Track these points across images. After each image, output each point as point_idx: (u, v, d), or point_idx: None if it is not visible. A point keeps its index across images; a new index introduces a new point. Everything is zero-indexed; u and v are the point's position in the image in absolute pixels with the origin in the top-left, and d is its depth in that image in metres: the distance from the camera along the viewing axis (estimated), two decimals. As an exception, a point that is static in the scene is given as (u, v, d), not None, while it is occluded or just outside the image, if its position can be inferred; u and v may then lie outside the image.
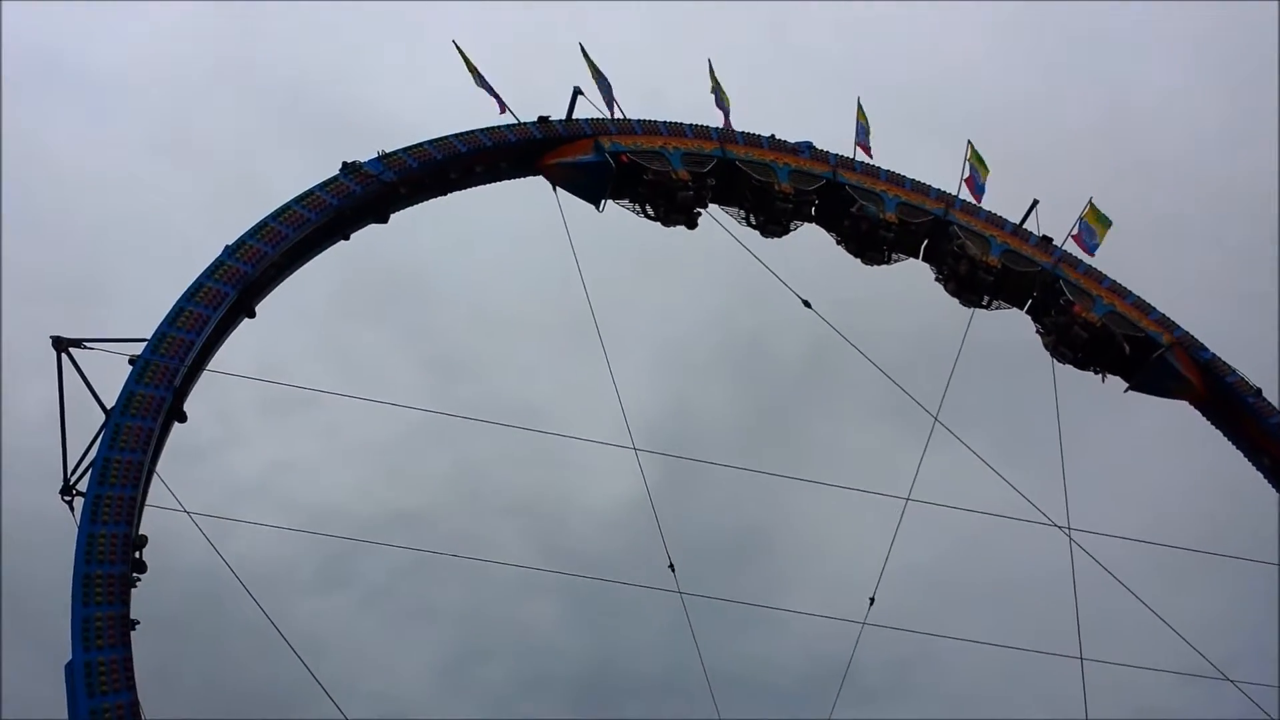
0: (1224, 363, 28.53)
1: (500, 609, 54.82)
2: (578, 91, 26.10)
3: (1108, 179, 31.52)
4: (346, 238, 23.56)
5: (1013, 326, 29.66)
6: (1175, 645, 27.38)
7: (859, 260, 28.52)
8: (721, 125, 27.94)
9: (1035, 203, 28.86)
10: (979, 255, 28.01)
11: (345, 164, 23.30)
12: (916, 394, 28.18)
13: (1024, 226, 28.90)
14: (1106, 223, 29.00)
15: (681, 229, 27.43)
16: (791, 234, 28.11)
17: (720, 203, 27.79)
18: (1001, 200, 29.20)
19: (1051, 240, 28.83)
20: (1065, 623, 27.46)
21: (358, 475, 52.09)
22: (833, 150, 28.49)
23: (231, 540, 23.72)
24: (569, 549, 49.44)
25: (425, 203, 25.08)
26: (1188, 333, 28.70)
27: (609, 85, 26.88)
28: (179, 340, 20.12)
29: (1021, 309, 28.95)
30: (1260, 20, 57.94)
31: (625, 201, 26.94)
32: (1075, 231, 28.97)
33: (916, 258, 28.98)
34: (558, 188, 26.25)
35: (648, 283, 55.93)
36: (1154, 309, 28.69)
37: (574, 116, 26.26)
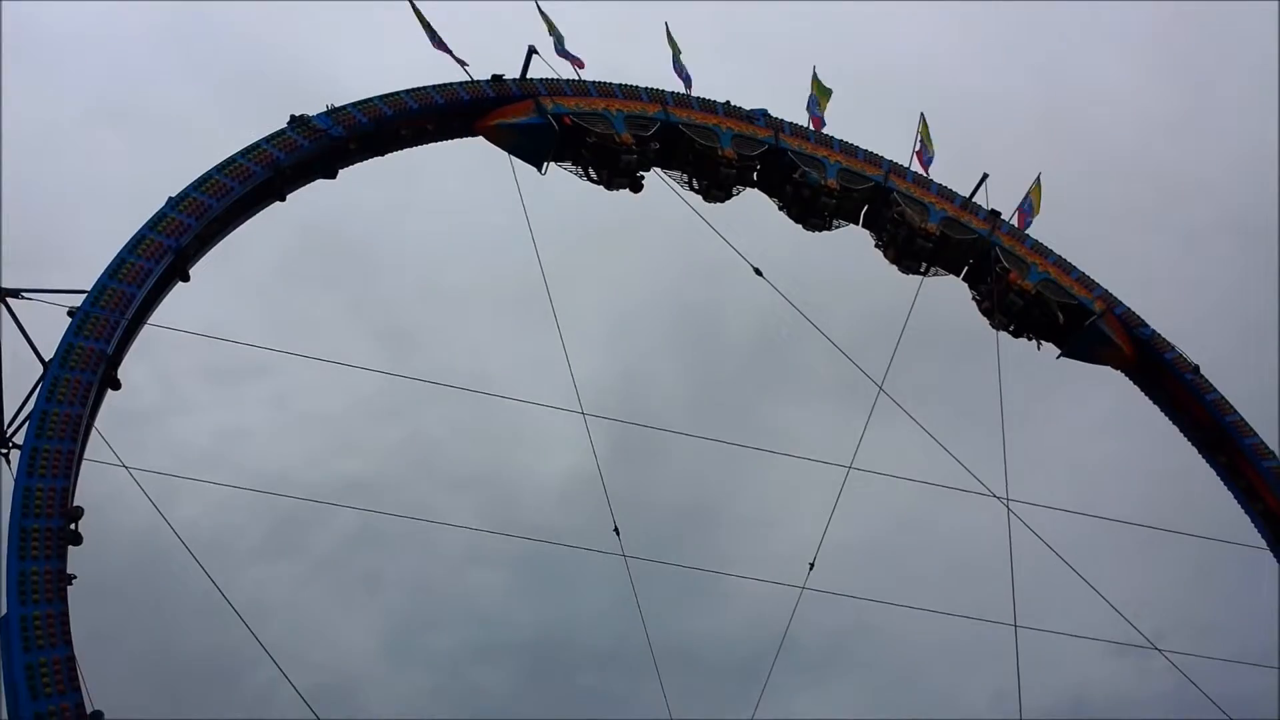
0: (1164, 339, 29.24)
1: (449, 579, 54.90)
2: (532, 50, 25.91)
3: (1055, 163, 31.90)
4: (282, 198, 22.98)
5: (963, 306, 30.10)
6: (1108, 617, 28.06)
7: (800, 226, 28.65)
8: (680, 91, 27.89)
9: (985, 176, 29.23)
10: (918, 222, 28.30)
11: (293, 118, 22.92)
12: (865, 371, 28.51)
13: (973, 200, 29.22)
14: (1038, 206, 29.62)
15: (626, 193, 27.35)
16: (735, 199, 28.15)
17: (663, 166, 27.70)
18: (951, 176, 29.55)
19: (1000, 214, 29.21)
20: (1003, 594, 27.95)
21: (306, 445, 51.75)
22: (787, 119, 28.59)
23: (177, 506, 23.50)
24: (519, 520, 49.50)
25: (374, 167, 24.85)
26: (1128, 308, 29.36)
27: (563, 40, 26.66)
28: (120, 293, 19.75)
29: (959, 276, 29.36)
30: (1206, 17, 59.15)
31: (568, 164, 26.68)
32: (1021, 206, 29.41)
33: (857, 224, 29.21)
34: (502, 149, 25.92)
35: (600, 256, 55.97)
36: (1098, 285, 29.31)
37: (528, 76, 26.09)
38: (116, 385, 19.89)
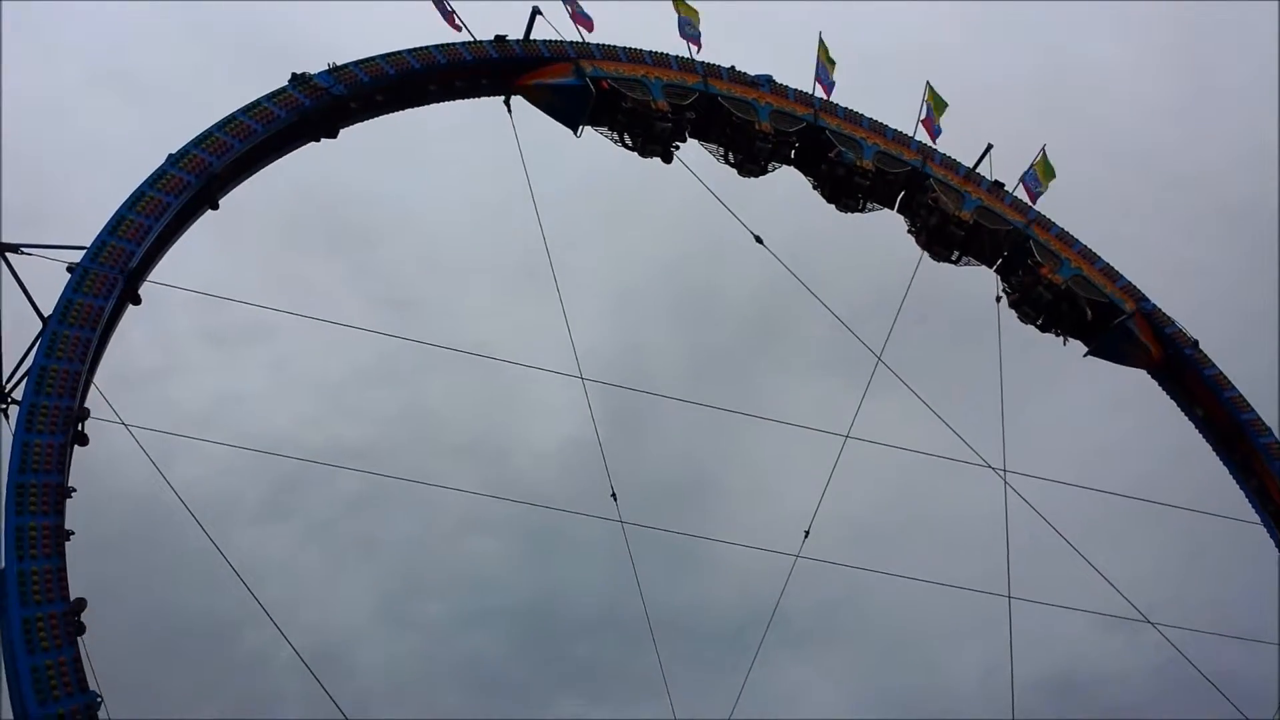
0: (1185, 334, 29.07)
1: (445, 544, 55.13)
2: (536, 11, 25.71)
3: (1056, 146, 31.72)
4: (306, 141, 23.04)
5: (965, 282, 30.04)
6: (1101, 592, 28.16)
7: (833, 207, 28.58)
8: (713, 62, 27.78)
9: (989, 147, 29.11)
10: (952, 209, 28.15)
11: (294, 75, 22.76)
12: (863, 341, 28.48)
13: (976, 170, 29.08)
14: (1051, 174, 29.34)
15: (634, 163, 27.33)
16: (769, 175, 28.12)
17: (699, 138, 27.67)
18: (956, 145, 29.40)
19: (1003, 185, 29.08)
20: (997, 566, 28.09)
21: (305, 409, 51.81)
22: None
23: (175, 467, 23.51)
24: (516, 487, 49.60)
25: (376, 134, 24.84)
26: (1156, 305, 29.06)
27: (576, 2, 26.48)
28: (119, 249, 19.64)
29: (990, 267, 29.20)
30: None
31: (604, 129, 26.71)
32: (1025, 179, 29.25)
33: (891, 208, 29.06)
34: (539, 109, 26.07)
35: (604, 226, 55.86)
36: (1121, 276, 29.07)
37: (531, 37, 25.89)
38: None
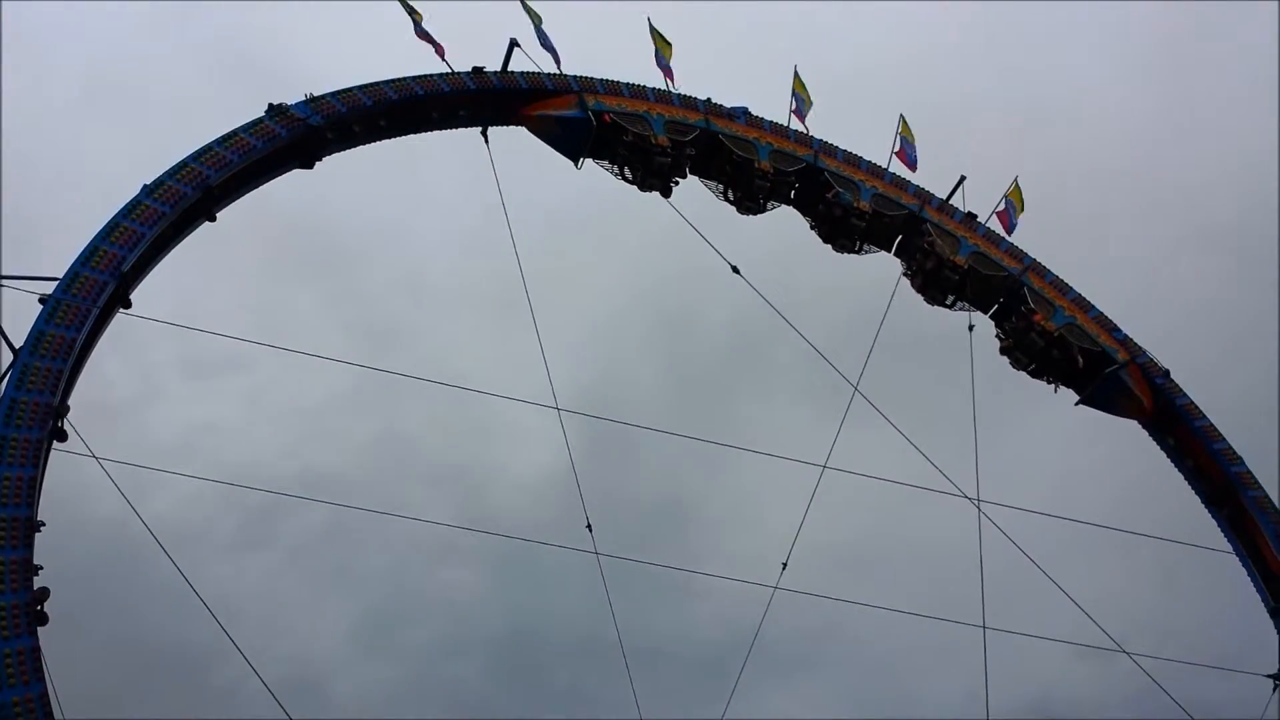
0: (1176, 385, 28.81)
1: (420, 574, 54.82)
2: (514, 43, 25.91)
3: (1033, 169, 32.05)
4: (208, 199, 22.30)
5: (940, 315, 30.19)
6: (1075, 621, 28.28)
7: (830, 247, 28.75)
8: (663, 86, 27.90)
9: (962, 179, 29.31)
10: (947, 254, 28.36)
11: (271, 106, 22.75)
12: (839, 371, 28.62)
13: (950, 202, 29.35)
14: (1020, 206, 29.68)
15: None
16: (767, 213, 28.29)
17: (700, 175, 27.94)
18: (928, 177, 29.66)
19: (976, 216, 29.35)
20: (973, 595, 28.20)
21: (280, 439, 51.56)
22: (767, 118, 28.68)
23: (148, 498, 23.36)
24: (492, 518, 49.47)
25: (356, 166, 24.89)
26: (1149, 356, 28.94)
27: (547, 36, 26.66)
28: (92, 280, 19.54)
29: (985, 313, 29.33)
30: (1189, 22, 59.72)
31: (604, 163, 27.05)
32: (1000, 209, 29.53)
33: (889, 251, 29.23)
34: (541, 139, 26.50)
35: (582, 257, 56.05)
36: (1117, 328, 29.05)
37: (509, 69, 26.05)
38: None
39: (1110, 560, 39.66)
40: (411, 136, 25.50)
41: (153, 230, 20.45)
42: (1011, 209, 29.45)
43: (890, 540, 51.50)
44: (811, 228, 28.79)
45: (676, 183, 27.51)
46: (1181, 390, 28.71)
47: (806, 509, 27.93)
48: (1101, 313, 29.15)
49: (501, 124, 26.40)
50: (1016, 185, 29.77)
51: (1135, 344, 29.03)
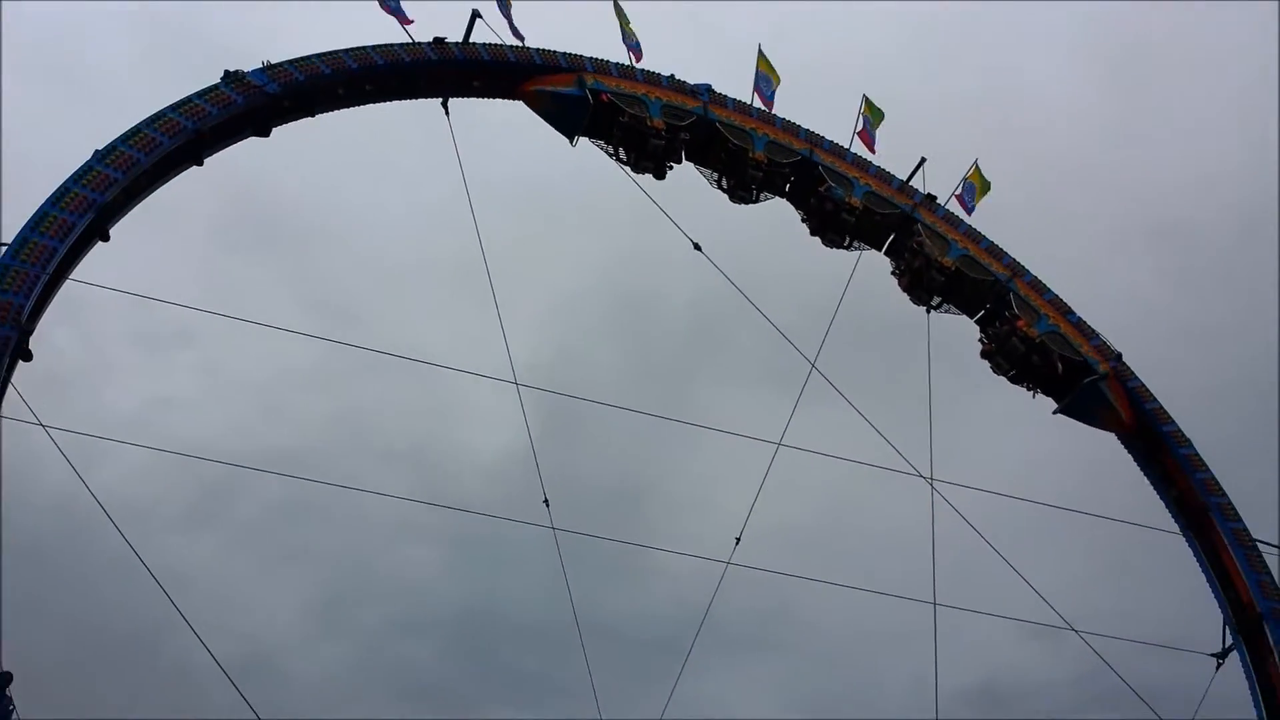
0: (1165, 412, 28.67)
1: (377, 552, 54.62)
2: (476, 15, 25.69)
3: (992, 155, 32.21)
4: (200, 162, 22.37)
5: (903, 306, 30.35)
6: (1026, 602, 28.65)
7: (819, 240, 28.82)
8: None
9: (923, 160, 29.41)
10: (935, 254, 28.47)
11: (228, 73, 22.36)
12: (798, 348, 28.71)
13: (910, 183, 29.46)
14: (986, 186, 29.83)
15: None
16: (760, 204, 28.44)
17: (695, 161, 28.06)
18: (890, 158, 29.77)
19: (935, 198, 29.49)
20: (926, 576, 28.43)
21: (234, 414, 51.02)
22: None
23: (97, 470, 23.05)
24: (449, 495, 49.21)
25: (312, 137, 24.60)
26: (1141, 382, 28.89)
27: (508, 8, 26.48)
28: (42, 246, 19.18)
29: (971, 318, 29.44)
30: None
31: (600, 142, 27.24)
32: (959, 191, 29.69)
33: (879, 250, 29.30)
34: (538, 114, 26.70)
35: (543, 234, 55.81)
36: (1096, 335, 29.07)
37: (470, 40, 25.85)
38: (28, 357, 18.98)
39: (1062, 544, 40.26)
40: (372, 108, 25.27)
41: (104, 197, 20.08)
42: (970, 191, 29.62)
43: (846, 521, 52.07)
44: (803, 220, 28.90)
45: (671, 167, 27.62)
46: (1168, 416, 28.67)
47: (760, 486, 28.06)
48: (1082, 319, 29.24)
49: (504, 97, 26.62)
50: (976, 168, 29.96)
51: (1114, 350, 28.99)
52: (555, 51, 26.73)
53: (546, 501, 25.50)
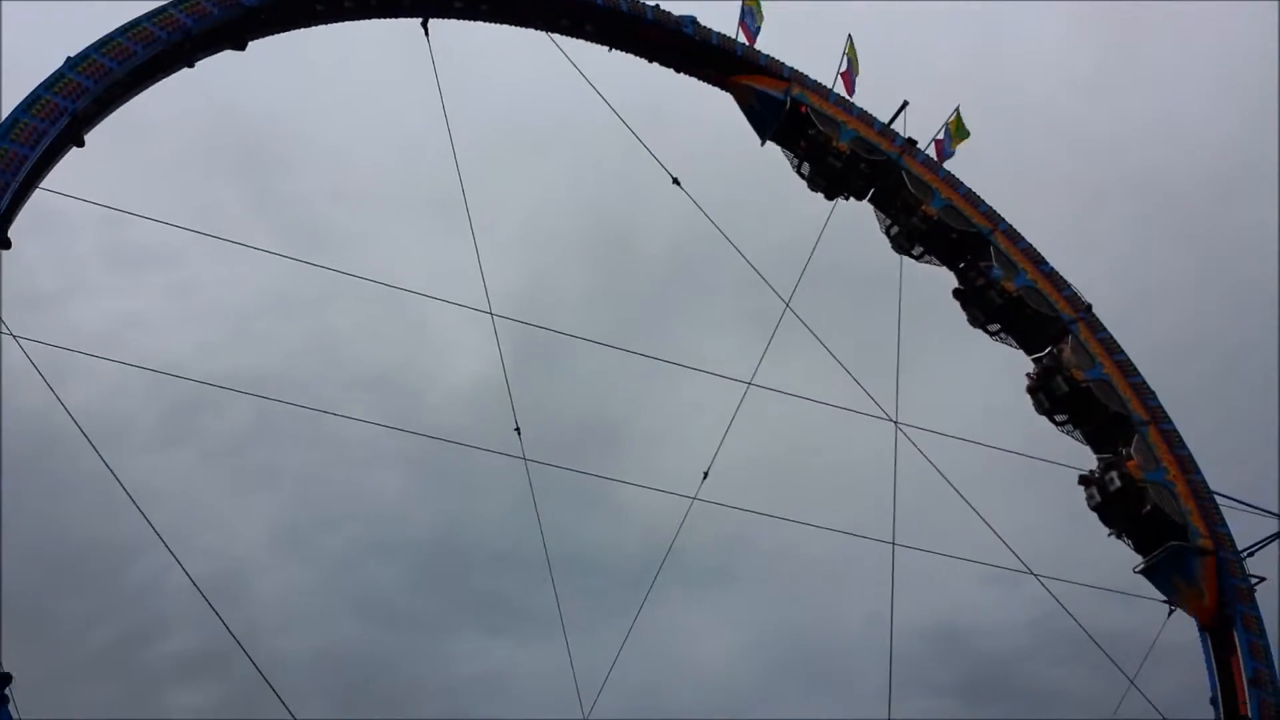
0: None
1: (347, 477, 54.81)
2: None
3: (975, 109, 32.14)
4: (191, 65, 22.18)
5: (877, 246, 30.48)
6: (986, 546, 29.06)
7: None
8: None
9: (905, 104, 29.36)
10: (919, 203, 28.79)
11: (206, -15, 21.95)
12: (772, 286, 28.80)
13: (891, 126, 29.46)
14: (965, 134, 29.82)
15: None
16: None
17: (875, 204, 29.49)
18: (871, 100, 29.77)
19: (916, 142, 29.49)
20: (888, 516, 28.74)
21: (207, 336, 50.71)
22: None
23: (69, 388, 22.80)
24: (421, 422, 49.39)
25: (289, 55, 24.17)
26: (1093, 314, 28.69)
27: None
28: (12, 153, 19.00)
29: (951, 269, 29.60)
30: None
31: (787, 151, 29.12)
32: (939, 136, 29.71)
33: (861, 200, 29.74)
34: (739, 105, 28.75)
35: (521, 162, 55.33)
36: (1068, 285, 29.03)
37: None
38: (7, 245, 19.10)
39: (1024, 492, 40.83)
40: (352, 28, 24.85)
41: (76, 104, 19.77)
42: (948, 137, 29.64)
43: (812, 462, 52.67)
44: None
45: (846, 197, 29.20)
46: (1085, 305, 28.67)
47: (729, 424, 28.27)
48: (1054, 270, 29.25)
49: (715, 85, 28.70)
50: (958, 114, 29.92)
51: (1084, 301, 28.83)
52: (774, 58, 28.68)
53: (518, 430, 25.62)
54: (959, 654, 53.31)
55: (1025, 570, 27.94)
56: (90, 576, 45.46)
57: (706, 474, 27.29)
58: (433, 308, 27.50)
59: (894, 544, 27.14)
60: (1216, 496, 27.17)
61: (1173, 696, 26.93)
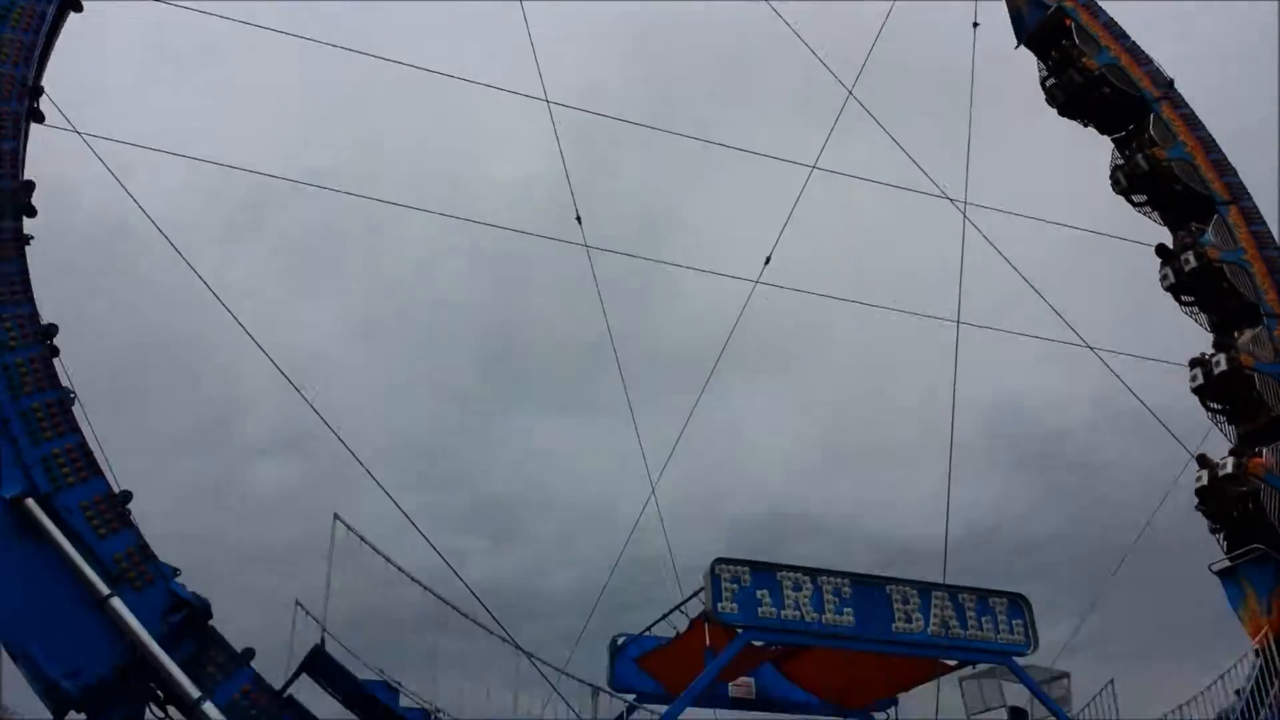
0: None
1: (411, 271, 55.82)
2: None
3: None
4: None
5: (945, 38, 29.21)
6: (1049, 327, 28.79)
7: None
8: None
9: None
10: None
11: None
12: (834, 73, 27.92)
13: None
14: None
15: None
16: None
17: (1101, 129, 28.94)
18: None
19: None
20: (952, 300, 28.52)
21: (262, 135, 50.50)
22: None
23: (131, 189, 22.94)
24: (479, 215, 49.45)
25: None
26: (1178, 93, 28.48)
27: None
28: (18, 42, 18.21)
29: (1110, 136, 29.06)
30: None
31: (1038, 59, 29.21)
32: None
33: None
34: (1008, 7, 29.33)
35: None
36: (1150, 60, 28.82)
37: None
38: (40, 118, 18.55)
39: (1089, 272, 40.23)
40: None
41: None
42: None
43: (875, 250, 52.02)
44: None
45: (1084, 122, 28.81)
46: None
47: (793, 208, 27.95)
48: (1136, 44, 28.77)
49: None
50: None
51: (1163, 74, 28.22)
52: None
53: (579, 218, 25.56)
54: (1023, 429, 53.92)
55: (1084, 345, 27.78)
56: (173, 364, 47.35)
57: (769, 259, 27.22)
58: (486, 108, 27.06)
59: (958, 322, 27.02)
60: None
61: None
